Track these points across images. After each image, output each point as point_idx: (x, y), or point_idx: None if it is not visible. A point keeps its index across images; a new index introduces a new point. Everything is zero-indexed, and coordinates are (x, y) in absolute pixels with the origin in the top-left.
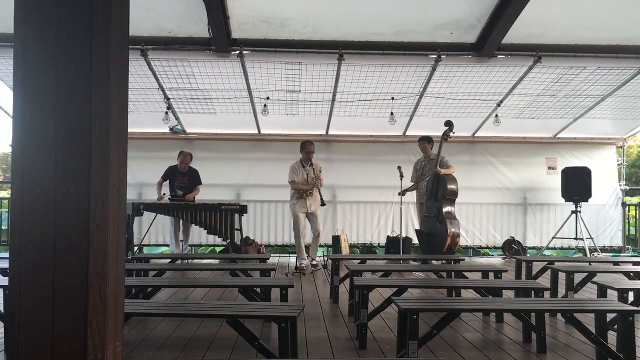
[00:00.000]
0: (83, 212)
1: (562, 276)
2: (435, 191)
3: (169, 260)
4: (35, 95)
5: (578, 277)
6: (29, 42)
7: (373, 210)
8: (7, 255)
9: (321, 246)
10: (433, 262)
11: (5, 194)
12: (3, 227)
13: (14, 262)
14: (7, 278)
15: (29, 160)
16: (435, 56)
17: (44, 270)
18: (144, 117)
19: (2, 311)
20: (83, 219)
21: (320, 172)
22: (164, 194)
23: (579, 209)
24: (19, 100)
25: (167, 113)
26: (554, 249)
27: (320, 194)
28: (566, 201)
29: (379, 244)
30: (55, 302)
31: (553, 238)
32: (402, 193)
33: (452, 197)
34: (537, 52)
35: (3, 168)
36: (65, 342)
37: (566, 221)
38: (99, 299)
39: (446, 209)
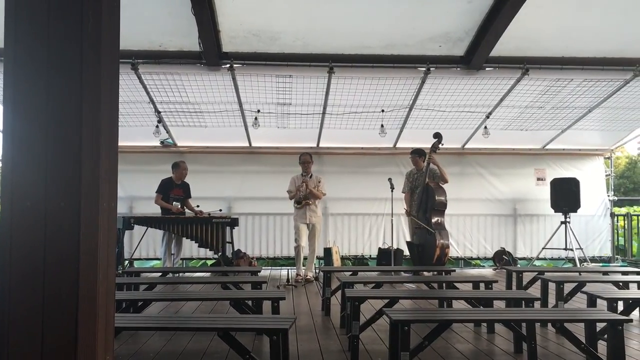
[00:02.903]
0: (73, 226)
1: (552, 286)
2: (424, 202)
3: (160, 274)
4: (25, 110)
5: (568, 287)
6: (19, 57)
7: (364, 222)
8: None
9: None
10: (424, 273)
11: None
12: None
13: (2, 275)
14: None
15: (19, 173)
16: (424, 68)
17: (34, 284)
18: (134, 131)
19: None
20: (73, 233)
21: (319, 182)
22: (174, 203)
23: (568, 220)
24: (8, 114)
25: (157, 126)
26: (544, 259)
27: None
28: (555, 212)
29: (370, 255)
30: (44, 314)
31: (543, 248)
32: (410, 213)
33: (441, 208)
34: (525, 65)
35: None
36: (55, 355)
37: (555, 231)
38: (89, 312)
39: (435, 220)
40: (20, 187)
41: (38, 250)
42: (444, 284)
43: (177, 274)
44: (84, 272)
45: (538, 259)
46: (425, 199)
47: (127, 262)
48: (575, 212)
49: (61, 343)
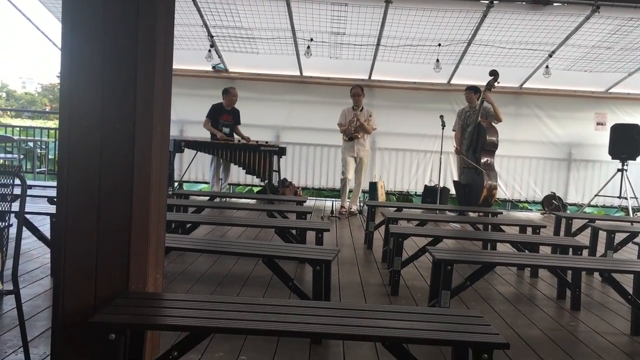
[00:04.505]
0: (127, 148)
1: (602, 235)
2: (474, 142)
3: (208, 198)
4: (83, 29)
5: (619, 237)
6: None
7: (412, 158)
8: (54, 184)
9: None
10: (470, 213)
11: (52, 124)
12: (50, 157)
13: (60, 193)
14: (54, 206)
15: (77, 94)
16: (487, 1)
17: (90, 202)
18: (187, 54)
19: (50, 237)
20: (127, 154)
21: (370, 116)
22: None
23: (625, 167)
24: (67, 33)
25: (210, 51)
26: (595, 206)
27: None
28: (612, 158)
29: (415, 192)
30: (99, 232)
31: (595, 195)
32: (459, 152)
33: (491, 149)
34: (596, 1)
35: (50, 98)
36: (108, 271)
37: (611, 179)
38: (141, 231)
39: (484, 160)
40: (78, 107)
41: (94, 169)
42: (489, 226)
43: (224, 199)
44: (137, 192)
45: (589, 205)
46: (476, 138)
47: (176, 184)
48: (635, 160)
49: (115, 258)
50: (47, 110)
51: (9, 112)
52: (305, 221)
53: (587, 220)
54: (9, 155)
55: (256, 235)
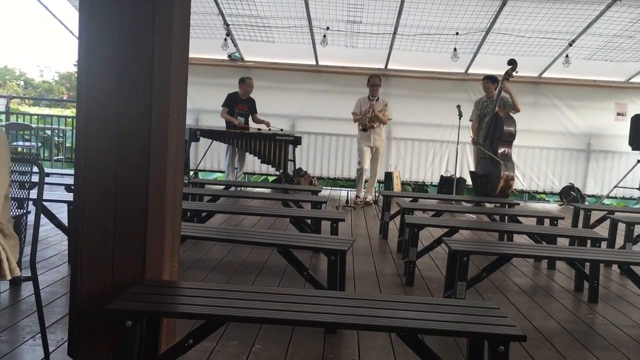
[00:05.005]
0: (144, 136)
1: (621, 227)
2: (492, 132)
3: (223, 187)
4: (99, 18)
5: (638, 229)
6: None
7: (428, 148)
8: (72, 171)
9: None
10: (486, 204)
11: (70, 112)
12: (67, 145)
13: (78, 181)
14: (72, 194)
15: (94, 82)
16: None
17: (106, 190)
18: (203, 43)
19: (67, 225)
20: (144, 143)
21: (385, 106)
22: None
23: None
24: (84, 22)
25: (225, 39)
26: (615, 197)
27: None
28: (633, 149)
29: (431, 182)
30: (116, 220)
31: (615, 187)
32: (476, 142)
33: (508, 139)
34: None
35: (67, 87)
36: (125, 258)
37: (630, 170)
38: (157, 219)
39: (502, 151)
40: (95, 95)
41: (110, 157)
42: (506, 217)
43: (239, 188)
44: (154, 180)
45: (608, 197)
46: (493, 128)
47: (192, 172)
48: None
49: (131, 246)
50: (64, 98)
51: (27, 100)
52: (320, 211)
53: (606, 212)
54: (27, 143)
55: (271, 225)
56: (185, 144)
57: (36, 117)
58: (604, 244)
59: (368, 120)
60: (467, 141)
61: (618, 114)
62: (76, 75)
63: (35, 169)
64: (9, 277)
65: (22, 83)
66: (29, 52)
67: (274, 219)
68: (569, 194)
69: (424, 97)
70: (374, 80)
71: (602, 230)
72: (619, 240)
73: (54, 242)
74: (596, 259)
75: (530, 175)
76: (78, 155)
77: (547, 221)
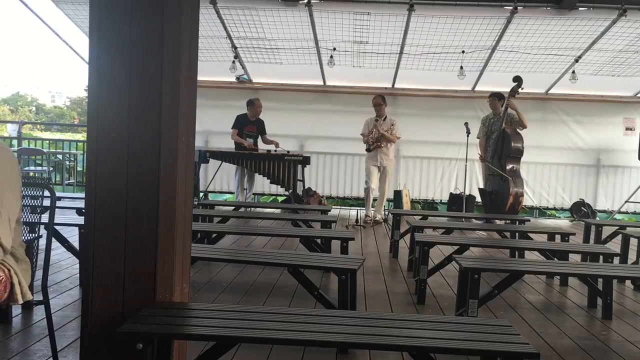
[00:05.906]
0: (154, 158)
1: (633, 242)
2: (499, 149)
3: (233, 208)
4: (109, 43)
5: None
6: None
7: (437, 166)
8: (83, 195)
9: None
10: (496, 221)
11: (81, 136)
12: (78, 169)
13: (89, 204)
14: (83, 217)
15: (104, 106)
16: (511, 7)
17: (117, 213)
18: (211, 66)
19: (78, 248)
20: (153, 165)
21: (392, 125)
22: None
23: None
24: (94, 48)
25: (233, 62)
26: (626, 213)
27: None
28: None
29: (440, 200)
30: (127, 243)
31: (626, 202)
32: (484, 159)
33: (516, 155)
34: (622, 5)
35: (78, 111)
36: (136, 281)
37: None
38: (167, 241)
39: (510, 167)
40: (105, 119)
41: (121, 180)
42: (517, 234)
43: (249, 209)
44: (164, 202)
45: (619, 212)
46: (501, 145)
47: (202, 194)
48: None
49: (142, 269)
50: (75, 123)
51: (38, 126)
52: (330, 230)
53: (618, 227)
54: (39, 168)
55: (281, 245)
56: (195, 165)
57: (48, 142)
58: (616, 260)
59: (375, 140)
60: (476, 158)
61: (627, 129)
62: (87, 100)
63: (46, 193)
64: (21, 301)
65: (33, 109)
66: (41, 78)
67: (284, 239)
68: (580, 210)
69: (431, 115)
70: (377, 100)
71: (614, 245)
72: (632, 256)
73: (66, 266)
74: (609, 275)
75: (540, 191)
76: (89, 178)
77: (558, 237)
